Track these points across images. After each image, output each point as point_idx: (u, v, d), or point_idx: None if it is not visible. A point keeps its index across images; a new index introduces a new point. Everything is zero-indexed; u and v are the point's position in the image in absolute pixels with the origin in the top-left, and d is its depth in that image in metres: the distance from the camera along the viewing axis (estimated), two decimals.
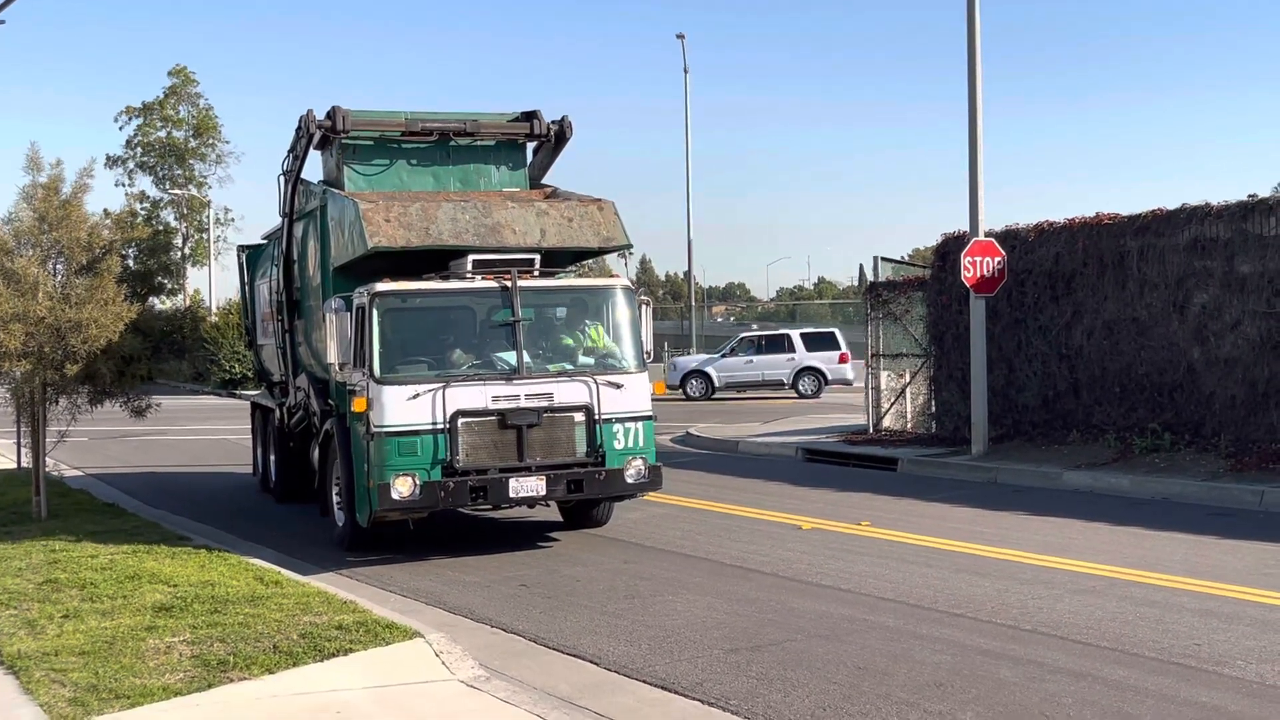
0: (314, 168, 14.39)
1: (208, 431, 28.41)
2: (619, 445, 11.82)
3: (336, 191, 13.02)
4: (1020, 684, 7.39)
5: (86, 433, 19.99)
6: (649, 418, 12.17)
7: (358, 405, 11.48)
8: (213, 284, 64.44)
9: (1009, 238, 19.22)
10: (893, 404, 22.49)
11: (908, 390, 22.24)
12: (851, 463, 19.87)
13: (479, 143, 13.61)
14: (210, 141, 65.56)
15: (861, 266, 24.53)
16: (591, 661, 8.29)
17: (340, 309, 11.79)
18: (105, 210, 16.34)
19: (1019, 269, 18.95)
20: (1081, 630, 8.59)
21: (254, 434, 18.60)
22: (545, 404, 11.57)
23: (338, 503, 12.67)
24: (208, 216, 65.08)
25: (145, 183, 65.82)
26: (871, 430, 22.34)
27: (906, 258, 25.25)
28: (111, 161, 64.76)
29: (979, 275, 18.48)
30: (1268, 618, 8.80)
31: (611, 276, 13.34)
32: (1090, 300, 18.23)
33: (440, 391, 11.29)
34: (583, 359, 12.18)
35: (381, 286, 11.61)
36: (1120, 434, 17.55)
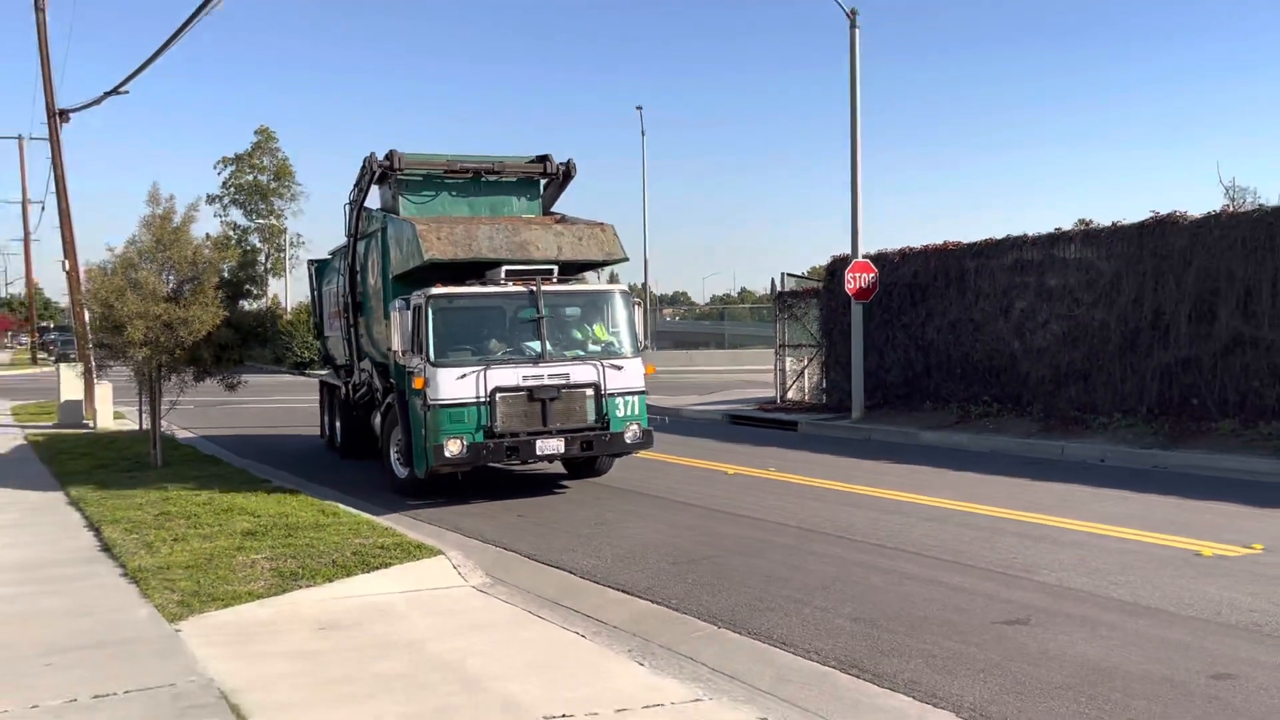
0: (370, 198, 14.01)
1: (284, 401, 28.09)
2: (620, 413, 11.50)
3: (395, 216, 12.64)
4: (885, 587, 7.46)
5: (193, 402, 19.78)
6: (642, 392, 11.80)
7: (418, 383, 11.08)
8: (288, 291, 63.80)
9: (880, 259, 19.31)
10: (794, 382, 22.57)
11: (805, 372, 22.31)
12: (764, 425, 19.91)
13: (504, 179, 13.22)
14: (286, 184, 64.65)
15: (773, 279, 24.64)
16: (570, 572, 8.29)
17: (403, 308, 11.40)
18: (207, 234, 16.09)
19: (887, 282, 19.05)
20: (930, 547, 8.67)
21: (321, 405, 18.23)
22: (563, 382, 11.24)
23: (397, 458, 12.31)
24: (284, 240, 64.46)
25: (237, 214, 64.85)
26: (779, 401, 22.40)
27: (806, 273, 25.26)
28: (210, 199, 63.76)
29: (858, 286, 18.57)
30: (1064, 538, 8.92)
31: (612, 283, 12.94)
32: (939, 305, 18.37)
33: (482, 372, 10.96)
34: (591, 347, 11.72)
35: (435, 291, 11.26)
36: (961, 404, 17.70)
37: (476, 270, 11.87)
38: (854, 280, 18.50)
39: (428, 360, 11.06)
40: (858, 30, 18.42)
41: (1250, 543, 8.53)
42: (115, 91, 22.63)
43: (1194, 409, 14.52)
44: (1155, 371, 15.01)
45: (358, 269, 14.25)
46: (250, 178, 64.18)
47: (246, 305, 15.01)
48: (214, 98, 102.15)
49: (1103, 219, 15.99)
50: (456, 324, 11.37)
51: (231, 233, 62.25)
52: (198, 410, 23.53)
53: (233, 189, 64.20)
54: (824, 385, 21.40)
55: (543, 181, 13.56)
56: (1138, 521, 9.51)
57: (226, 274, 14.24)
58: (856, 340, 18.76)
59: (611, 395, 11.47)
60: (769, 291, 24.27)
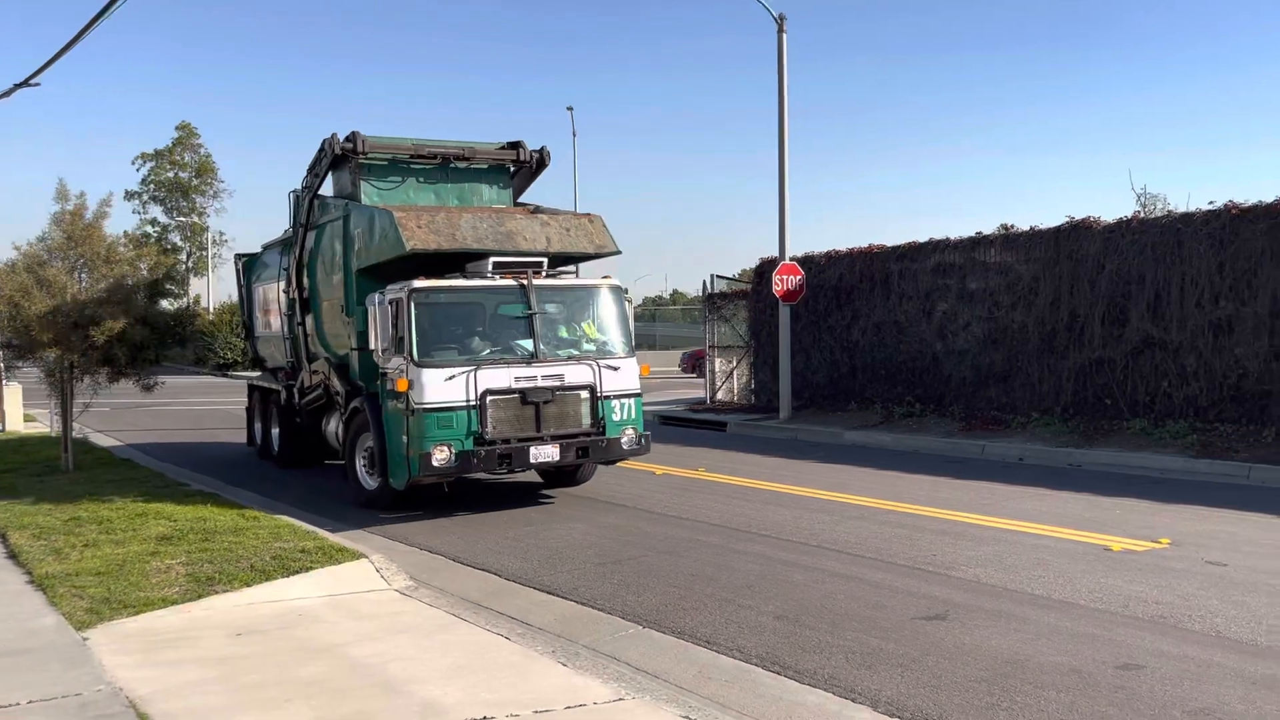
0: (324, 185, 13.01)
1: (205, 403, 27.42)
2: (617, 417, 10.77)
3: (359, 204, 11.79)
4: (808, 584, 7.53)
5: (109, 404, 19.20)
6: (639, 394, 11.10)
7: (400, 385, 10.08)
8: (210, 290, 62.29)
9: (807, 262, 19.55)
10: (724, 383, 22.74)
11: (734, 372, 22.51)
12: (694, 425, 20.03)
13: (474, 166, 12.46)
14: (209, 180, 63.07)
15: (704, 281, 24.66)
16: (495, 573, 8.21)
17: (380, 303, 10.40)
18: (125, 232, 15.65)
19: (814, 284, 19.30)
20: (853, 545, 8.77)
21: (251, 411, 16.79)
22: (558, 383, 10.44)
23: (364, 468, 11.35)
24: (207, 238, 62.92)
25: (156, 211, 63.06)
26: (709, 401, 22.56)
27: (736, 275, 25.46)
28: (129, 195, 61.99)
29: (785, 289, 18.77)
30: (983, 534, 9.11)
31: (604, 278, 12.13)
32: (865, 308, 18.66)
33: (471, 373, 10.08)
34: (585, 346, 10.96)
35: (418, 284, 10.26)
36: (885, 404, 18.00)
37: (454, 263, 11.02)
38: (781, 282, 18.70)
39: (411, 360, 10.13)
40: (785, 35, 18.64)
41: (1158, 538, 8.82)
42: (25, 84, 21.84)
43: (1107, 408, 14.97)
44: (1071, 372, 15.44)
45: (306, 262, 13.19)
46: (171, 174, 62.52)
47: (166, 305, 14.53)
48: (133, 92, 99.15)
49: (1024, 224, 16.42)
50: (442, 320, 10.44)
51: (151, 230, 60.68)
52: (114, 413, 22.83)
53: (152, 185, 62.47)
54: (753, 386, 21.59)
55: (512, 169, 12.85)
56: (1052, 518, 9.77)
57: (146, 272, 13.79)
58: (784, 342, 18.96)
59: (607, 398, 10.73)
60: (700, 293, 24.36)
